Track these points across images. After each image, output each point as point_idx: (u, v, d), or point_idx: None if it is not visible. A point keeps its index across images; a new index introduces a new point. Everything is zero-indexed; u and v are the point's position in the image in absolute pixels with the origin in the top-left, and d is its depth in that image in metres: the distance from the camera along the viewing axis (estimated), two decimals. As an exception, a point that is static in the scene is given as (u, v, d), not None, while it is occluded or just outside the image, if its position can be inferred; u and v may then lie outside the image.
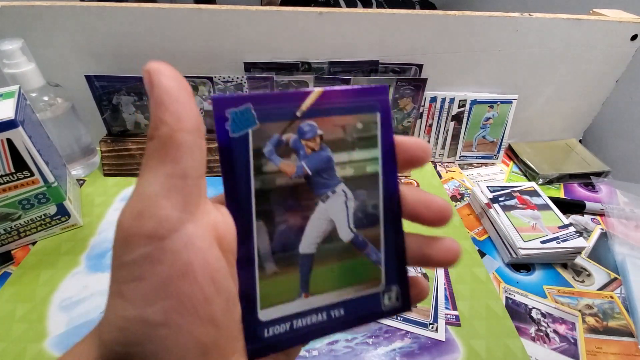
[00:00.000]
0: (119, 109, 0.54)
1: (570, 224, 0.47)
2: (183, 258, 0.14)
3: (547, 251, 0.44)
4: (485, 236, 0.50)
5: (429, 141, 0.62)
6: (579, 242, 0.44)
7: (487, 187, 0.53)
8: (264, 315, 0.17)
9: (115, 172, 0.56)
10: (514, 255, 0.45)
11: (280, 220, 0.17)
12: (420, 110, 0.59)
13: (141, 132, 0.57)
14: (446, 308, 0.41)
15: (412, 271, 0.43)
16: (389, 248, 0.19)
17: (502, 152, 0.64)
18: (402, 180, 0.58)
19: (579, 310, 0.41)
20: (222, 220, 0.16)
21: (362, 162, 0.19)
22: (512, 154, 0.66)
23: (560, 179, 0.60)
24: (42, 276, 0.42)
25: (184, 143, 0.14)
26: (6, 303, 0.39)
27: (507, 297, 0.42)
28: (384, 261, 0.19)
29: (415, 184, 0.58)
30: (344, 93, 0.18)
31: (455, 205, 0.56)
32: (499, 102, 0.60)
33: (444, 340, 0.38)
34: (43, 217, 0.44)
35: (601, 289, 0.44)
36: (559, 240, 0.45)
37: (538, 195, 0.52)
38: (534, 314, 0.41)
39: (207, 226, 0.15)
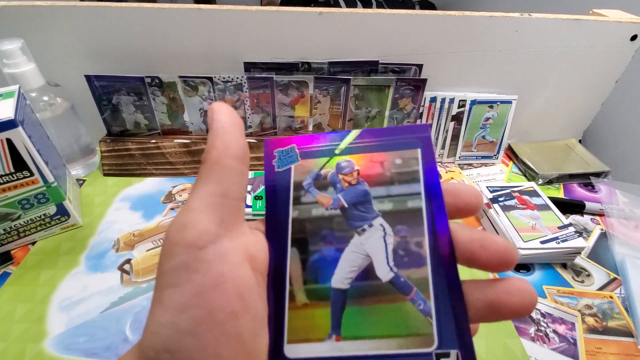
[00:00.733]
0: (119, 108, 0.54)
1: (570, 224, 0.47)
2: (217, 269, 0.14)
3: (547, 251, 0.44)
4: (485, 236, 0.50)
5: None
6: (578, 242, 0.44)
7: (487, 187, 0.53)
8: (290, 351, 0.16)
9: (115, 172, 0.56)
10: (514, 256, 0.45)
11: (314, 249, 0.18)
12: (420, 111, 0.59)
13: (141, 132, 0.57)
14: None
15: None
16: (441, 297, 0.16)
17: (501, 152, 0.64)
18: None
19: (579, 311, 0.41)
20: (256, 242, 0.17)
21: (402, 196, 0.18)
22: (511, 154, 0.66)
23: (560, 179, 0.60)
24: (42, 276, 0.42)
25: (228, 166, 0.16)
26: (6, 303, 0.39)
27: (506, 297, 0.42)
28: (434, 313, 0.16)
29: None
30: (382, 132, 0.19)
31: (455, 206, 0.56)
32: (498, 102, 0.60)
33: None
34: (43, 217, 0.44)
35: (601, 289, 0.44)
36: (559, 241, 0.45)
37: (538, 195, 0.52)
38: (533, 314, 0.41)
39: (241, 244, 0.16)
